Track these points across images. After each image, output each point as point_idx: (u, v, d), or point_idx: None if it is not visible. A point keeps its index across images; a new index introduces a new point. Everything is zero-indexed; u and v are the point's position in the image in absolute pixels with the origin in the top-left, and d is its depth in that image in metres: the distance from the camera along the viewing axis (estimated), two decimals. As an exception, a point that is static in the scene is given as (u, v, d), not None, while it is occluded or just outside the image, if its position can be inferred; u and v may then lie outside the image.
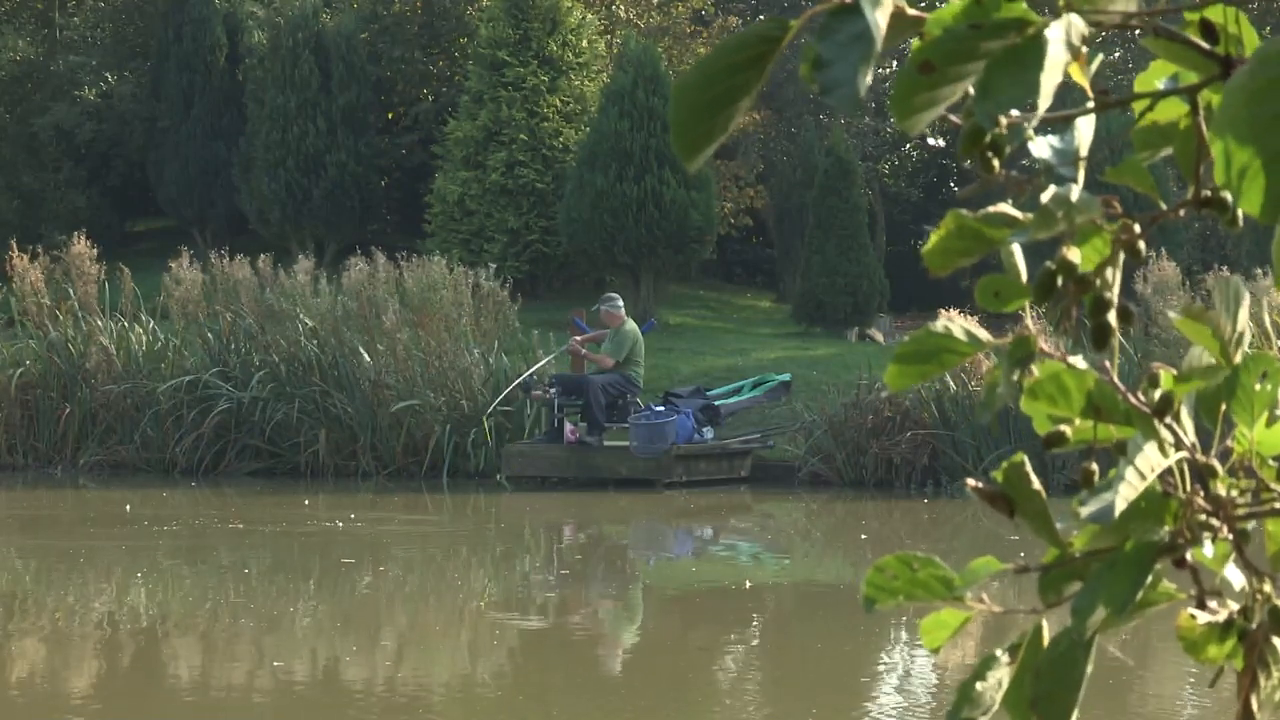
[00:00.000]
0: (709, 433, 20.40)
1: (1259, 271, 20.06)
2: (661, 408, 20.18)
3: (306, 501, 19.16)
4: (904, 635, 11.39)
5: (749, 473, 20.82)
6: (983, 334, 1.11)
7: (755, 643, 11.93)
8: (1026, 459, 1.11)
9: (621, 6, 34.38)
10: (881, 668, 10.74)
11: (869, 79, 1.02)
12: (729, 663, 11.06)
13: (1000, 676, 1.11)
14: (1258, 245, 24.14)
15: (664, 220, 27.52)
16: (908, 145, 38.90)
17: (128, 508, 18.19)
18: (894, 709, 9.30)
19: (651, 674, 10.41)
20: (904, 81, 1.05)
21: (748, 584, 14.19)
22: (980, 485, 1.11)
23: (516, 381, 20.41)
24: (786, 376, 21.58)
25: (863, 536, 17.33)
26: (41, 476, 21.44)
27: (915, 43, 1.05)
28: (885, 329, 29.67)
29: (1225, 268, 20.76)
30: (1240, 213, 1.05)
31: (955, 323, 1.11)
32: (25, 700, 9.46)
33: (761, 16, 39.43)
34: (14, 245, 23.00)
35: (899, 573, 1.13)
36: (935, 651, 1.17)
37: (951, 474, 19.67)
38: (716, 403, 20.70)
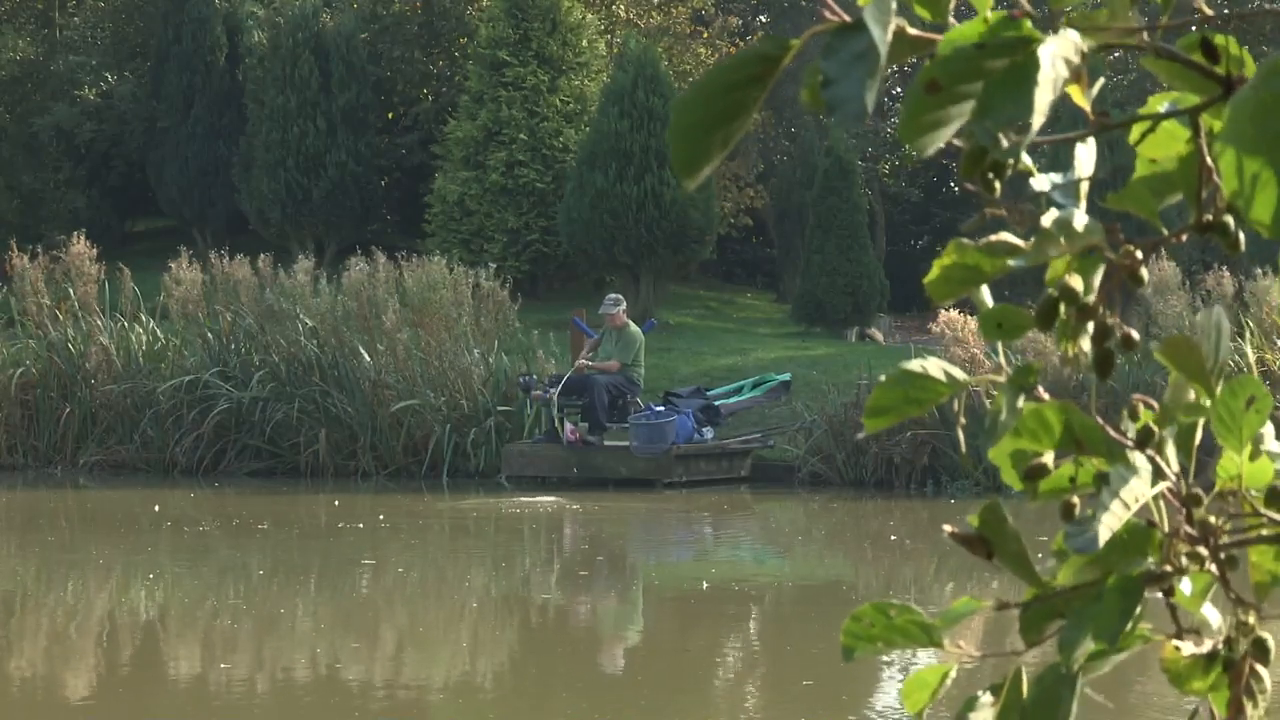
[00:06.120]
0: (709, 433, 20.39)
1: (1259, 271, 20.05)
2: (661, 408, 20.16)
3: (306, 502, 19.15)
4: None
5: (749, 473, 20.81)
6: (959, 373, 1.11)
7: (755, 643, 11.93)
8: (1001, 501, 1.12)
9: (621, 6, 34.36)
10: (880, 667, 10.74)
11: (874, 94, 1.02)
12: (728, 663, 11.06)
13: (984, 717, 1.12)
14: (1258, 246, 24.11)
15: (664, 220, 27.50)
16: (907, 145, 38.88)
17: (130, 508, 18.18)
18: (893, 708, 9.30)
19: (651, 674, 10.41)
20: (911, 102, 1.05)
21: (746, 584, 14.19)
22: (956, 530, 1.12)
23: (547, 395, 20.18)
24: (786, 376, 21.56)
25: (862, 537, 17.33)
26: (41, 476, 21.43)
27: (928, 63, 1.06)
28: (885, 329, 29.67)
29: (1225, 268, 20.75)
30: (1241, 236, 1.06)
31: (931, 361, 1.11)
32: (25, 700, 9.46)
33: (762, 17, 39.43)
34: (14, 245, 22.99)
35: (875, 620, 1.14)
36: (918, 716, 1.18)
37: (951, 474, 19.67)
38: (716, 403, 20.69)
